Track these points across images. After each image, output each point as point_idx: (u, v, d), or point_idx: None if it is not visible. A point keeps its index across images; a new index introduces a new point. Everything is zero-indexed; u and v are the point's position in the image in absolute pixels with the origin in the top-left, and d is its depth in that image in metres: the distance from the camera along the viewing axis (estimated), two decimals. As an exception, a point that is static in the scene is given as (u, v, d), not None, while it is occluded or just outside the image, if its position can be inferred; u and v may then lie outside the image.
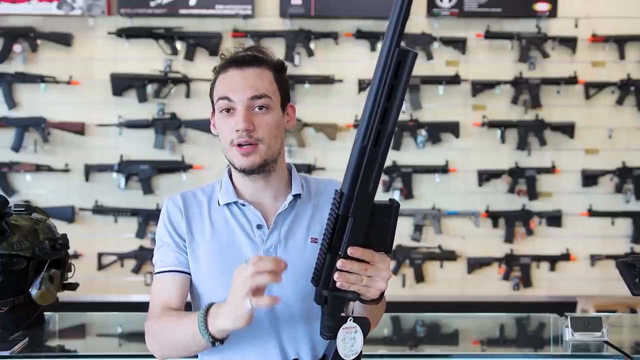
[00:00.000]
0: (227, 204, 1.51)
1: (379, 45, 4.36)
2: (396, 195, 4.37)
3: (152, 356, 1.51)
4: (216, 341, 1.32)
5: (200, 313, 1.32)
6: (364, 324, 1.33)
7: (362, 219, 1.23)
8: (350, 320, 1.31)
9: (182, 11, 4.36)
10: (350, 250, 1.23)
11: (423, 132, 4.42)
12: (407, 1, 1.14)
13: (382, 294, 1.30)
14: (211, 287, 1.47)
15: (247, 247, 1.47)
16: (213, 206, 1.52)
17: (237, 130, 1.43)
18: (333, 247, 1.24)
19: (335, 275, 1.23)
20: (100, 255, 4.38)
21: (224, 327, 1.28)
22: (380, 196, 1.24)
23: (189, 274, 1.50)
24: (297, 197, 1.53)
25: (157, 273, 1.51)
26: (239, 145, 1.44)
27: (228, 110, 1.46)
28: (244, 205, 1.50)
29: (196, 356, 1.57)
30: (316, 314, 1.35)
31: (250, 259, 1.25)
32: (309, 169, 4.33)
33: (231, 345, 1.43)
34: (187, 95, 4.35)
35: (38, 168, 4.33)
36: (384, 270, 1.26)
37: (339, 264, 1.23)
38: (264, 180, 1.50)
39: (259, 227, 1.49)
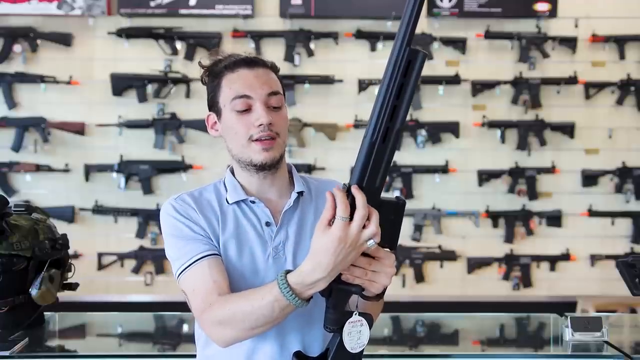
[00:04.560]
0: (237, 202, 1.52)
1: (379, 45, 4.38)
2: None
3: (151, 356, 1.50)
4: (309, 300, 1.31)
5: (283, 288, 1.28)
6: (368, 319, 1.35)
7: None
8: (355, 314, 1.33)
9: (182, 11, 4.36)
10: None
11: (423, 132, 4.42)
12: (419, 2, 1.17)
13: (384, 290, 1.32)
14: (230, 284, 1.45)
15: (256, 244, 1.49)
16: (223, 204, 1.52)
17: (260, 125, 1.46)
18: None
19: None
20: (100, 255, 4.38)
21: (324, 285, 1.28)
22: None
23: (220, 255, 1.46)
24: (300, 194, 1.55)
25: (188, 267, 1.43)
26: (259, 140, 1.46)
27: (245, 109, 1.48)
28: (253, 202, 1.52)
29: (194, 356, 1.57)
30: (320, 310, 1.36)
31: (343, 212, 1.23)
32: (309, 169, 4.33)
33: None
34: (187, 95, 4.35)
35: (38, 168, 4.33)
36: (388, 266, 1.28)
37: None
38: (271, 178, 1.52)
39: (267, 224, 1.50)
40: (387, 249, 1.29)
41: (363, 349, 1.35)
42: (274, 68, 1.55)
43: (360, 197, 1.22)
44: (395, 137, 1.22)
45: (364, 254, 1.26)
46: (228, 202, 1.52)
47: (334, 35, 4.39)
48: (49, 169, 4.35)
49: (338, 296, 1.30)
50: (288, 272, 1.31)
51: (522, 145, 4.42)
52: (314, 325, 1.46)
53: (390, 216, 1.27)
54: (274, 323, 1.35)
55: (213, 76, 1.53)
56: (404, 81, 1.20)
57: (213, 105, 1.53)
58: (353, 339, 1.33)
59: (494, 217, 4.45)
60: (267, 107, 1.47)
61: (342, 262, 1.24)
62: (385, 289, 1.32)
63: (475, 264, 4.46)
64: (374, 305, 1.41)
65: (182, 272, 1.45)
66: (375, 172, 1.23)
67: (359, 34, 4.38)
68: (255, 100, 1.47)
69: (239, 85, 1.48)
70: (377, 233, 1.23)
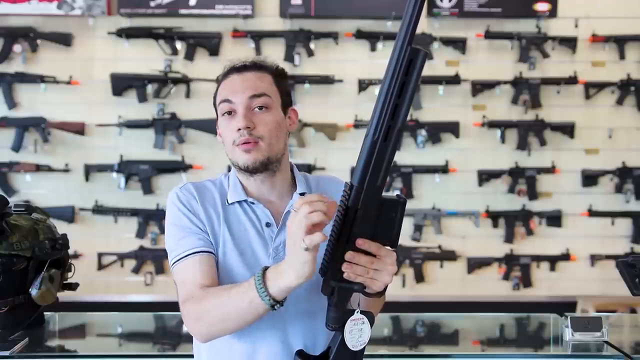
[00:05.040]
0: (238, 202, 1.54)
1: (379, 45, 4.38)
2: (396, 195, 4.36)
3: (151, 356, 1.51)
4: (276, 303, 1.31)
5: (257, 278, 1.31)
6: (370, 317, 1.35)
7: (370, 212, 1.25)
8: (357, 312, 1.33)
9: (182, 11, 4.36)
10: (358, 242, 1.25)
11: (423, 132, 4.42)
12: (420, 1, 1.18)
13: (385, 288, 1.32)
14: (227, 282, 1.46)
15: (257, 243, 1.50)
16: (224, 201, 1.54)
17: (238, 130, 1.48)
18: (341, 238, 1.26)
19: (343, 266, 1.26)
20: (100, 255, 4.38)
21: (288, 284, 1.27)
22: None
23: (215, 255, 1.49)
24: (301, 195, 1.55)
25: (181, 259, 1.47)
26: (240, 144, 1.48)
27: (229, 112, 1.51)
28: (253, 203, 1.53)
29: (193, 356, 1.57)
30: (321, 308, 1.36)
31: (296, 204, 1.24)
32: (309, 169, 4.33)
33: (237, 338, 1.45)
34: (187, 95, 4.35)
35: (38, 168, 4.33)
36: (389, 264, 1.28)
37: (348, 255, 1.25)
38: (270, 181, 1.54)
39: (267, 225, 1.52)
40: (389, 247, 1.29)
41: (364, 347, 1.36)
42: (271, 70, 1.55)
43: (306, 197, 1.24)
44: (396, 135, 1.23)
45: (366, 252, 1.26)
46: (228, 202, 1.54)
47: (334, 35, 4.39)
48: (49, 169, 4.35)
49: (340, 294, 1.31)
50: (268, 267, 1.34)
51: (522, 145, 4.42)
52: (316, 324, 1.46)
53: (391, 214, 1.27)
54: (244, 318, 1.35)
55: (217, 84, 1.57)
56: (405, 80, 1.20)
57: (215, 111, 1.57)
58: (354, 337, 1.34)
59: (494, 217, 4.45)
60: (250, 111, 1.49)
61: (291, 251, 1.25)
62: (386, 286, 1.32)
63: (475, 264, 4.47)
64: (376, 302, 1.42)
65: (175, 263, 1.48)
66: (377, 170, 1.23)
67: (359, 34, 4.38)
68: (237, 104, 1.50)
69: (225, 91, 1.52)
70: (298, 230, 1.21)
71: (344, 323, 1.33)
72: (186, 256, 1.47)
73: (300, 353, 1.42)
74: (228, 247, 1.49)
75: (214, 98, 1.58)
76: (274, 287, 1.30)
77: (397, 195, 1.29)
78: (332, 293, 1.31)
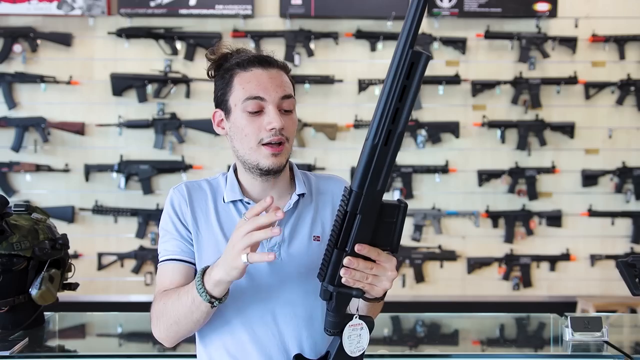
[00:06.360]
0: (233, 201, 1.52)
1: (379, 45, 4.38)
2: (396, 196, 4.37)
3: (151, 356, 1.51)
4: (214, 300, 1.33)
5: (198, 274, 1.35)
6: (369, 322, 1.34)
7: (370, 217, 1.24)
8: (356, 317, 1.33)
9: (182, 11, 4.36)
10: (357, 247, 1.24)
11: (423, 132, 4.42)
12: (422, 3, 1.16)
13: (385, 292, 1.32)
14: None
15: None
16: (219, 201, 1.52)
17: (271, 129, 1.43)
18: (340, 243, 1.25)
19: (342, 272, 1.25)
20: (100, 255, 4.38)
21: (218, 278, 1.30)
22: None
23: (192, 263, 1.49)
24: (300, 196, 1.53)
25: (160, 262, 1.51)
26: (269, 144, 1.44)
27: (257, 110, 1.45)
28: (249, 203, 1.51)
29: (194, 356, 1.57)
30: (319, 311, 1.35)
31: (248, 213, 1.28)
32: (309, 169, 4.33)
33: (235, 341, 1.45)
34: (187, 95, 4.36)
35: (38, 168, 4.34)
36: (389, 270, 1.27)
37: (346, 260, 1.24)
38: (273, 180, 1.51)
39: None
40: (389, 252, 1.28)
41: (363, 353, 1.35)
42: (285, 69, 1.52)
43: (253, 209, 1.28)
44: (397, 140, 1.21)
45: (365, 258, 1.25)
46: (224, 201, 1.52)
47: (334, 35, 4.39)
48: (49, 169, 4.35)
49: (339, 299, 1.29)
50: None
51: (522, 145, 4.42)
52: (315, 328, 1.45)
53: (392, 219, 1.26)
54: (191, 318, 1.37)
55: (224, 72, 1.51)
56: (406, 83, 1.19)
57: (222, 102, 1.50)
58: (353, 342, 1.33)
59: (494, 217, 4.45)
60: (279, 111, 1.45)
61: (228, 252, 1.28)
62: (386, 291, 1.31)
63: (475, 264, 4.47)
64: (374, 306, 1.40)
65: (159, 263, 1.51)
66: (377, 175, 1.22)
67: (359, 34, 4.38)
68: (269, 102, 1.44)
69: (253, 86, 1.45)
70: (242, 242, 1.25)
71: (342, 328, 1.32)
72: (163, 261, 1.49)
73: (298, 357, 1.41)
74: (220, 246, 1.47)
75: (224, 88, 1.49)
76: (209, 282, 1.32)
77: (397, 199, 1.28)
78: (331, 298, 1.30)
